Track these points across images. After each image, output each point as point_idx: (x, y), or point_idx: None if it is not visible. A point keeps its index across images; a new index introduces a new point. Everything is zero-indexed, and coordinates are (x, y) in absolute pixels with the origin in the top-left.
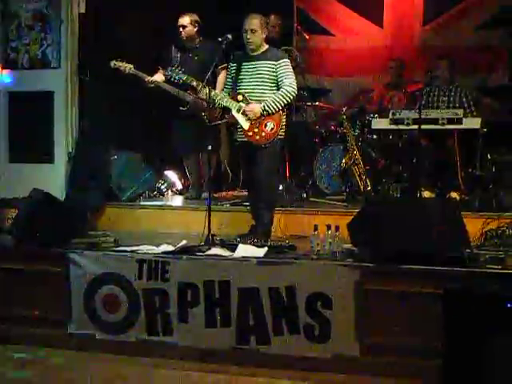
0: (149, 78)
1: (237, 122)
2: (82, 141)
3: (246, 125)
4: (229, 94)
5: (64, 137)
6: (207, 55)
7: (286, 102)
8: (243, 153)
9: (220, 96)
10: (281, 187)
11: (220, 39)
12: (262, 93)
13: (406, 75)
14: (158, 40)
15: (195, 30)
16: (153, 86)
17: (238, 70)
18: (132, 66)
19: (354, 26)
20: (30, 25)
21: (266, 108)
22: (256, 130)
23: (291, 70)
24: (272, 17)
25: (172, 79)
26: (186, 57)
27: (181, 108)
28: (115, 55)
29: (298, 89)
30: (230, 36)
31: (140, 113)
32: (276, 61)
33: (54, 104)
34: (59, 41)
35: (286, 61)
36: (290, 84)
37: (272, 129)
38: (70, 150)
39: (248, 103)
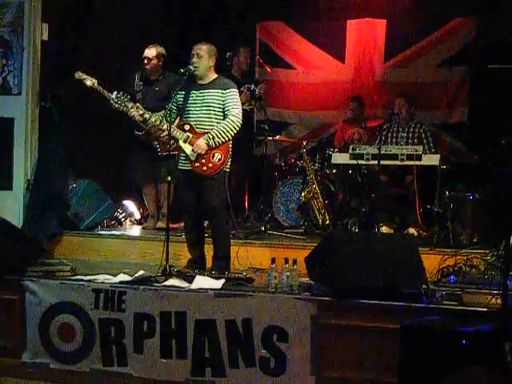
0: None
1: (183, 152)
2: (41, 168)
3: (193, 156)
4: (173, 122)
5: (23, 164)
6: (168, 88)
7: (231, 132)
8: (186, 181)
9: (166, 125)
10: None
11: (182, 70)
12: (210, 122)
13: (367, 111)
14: (121, 67)
15: (160, 63)
16: (117, 106)
17: (186, 99)
18: (96, 81)
19: (315, 61)
20: None
21: (211, 142)
22: (203, 161)
23: (238, 99)
24: (242, 49)
25: (117, 105)
26: (148, 88)
27: (136, 132)
28: (76, 82)
29: (259, 122)
30: (191, 67)
31: (100, 141)
32: (224, 89)
33: (13, 131)
34: (21, 68)
35: (234, 90)
36: (235, 114)
37: (219, 159)
38: (29, 178)
39: (195, 133)
